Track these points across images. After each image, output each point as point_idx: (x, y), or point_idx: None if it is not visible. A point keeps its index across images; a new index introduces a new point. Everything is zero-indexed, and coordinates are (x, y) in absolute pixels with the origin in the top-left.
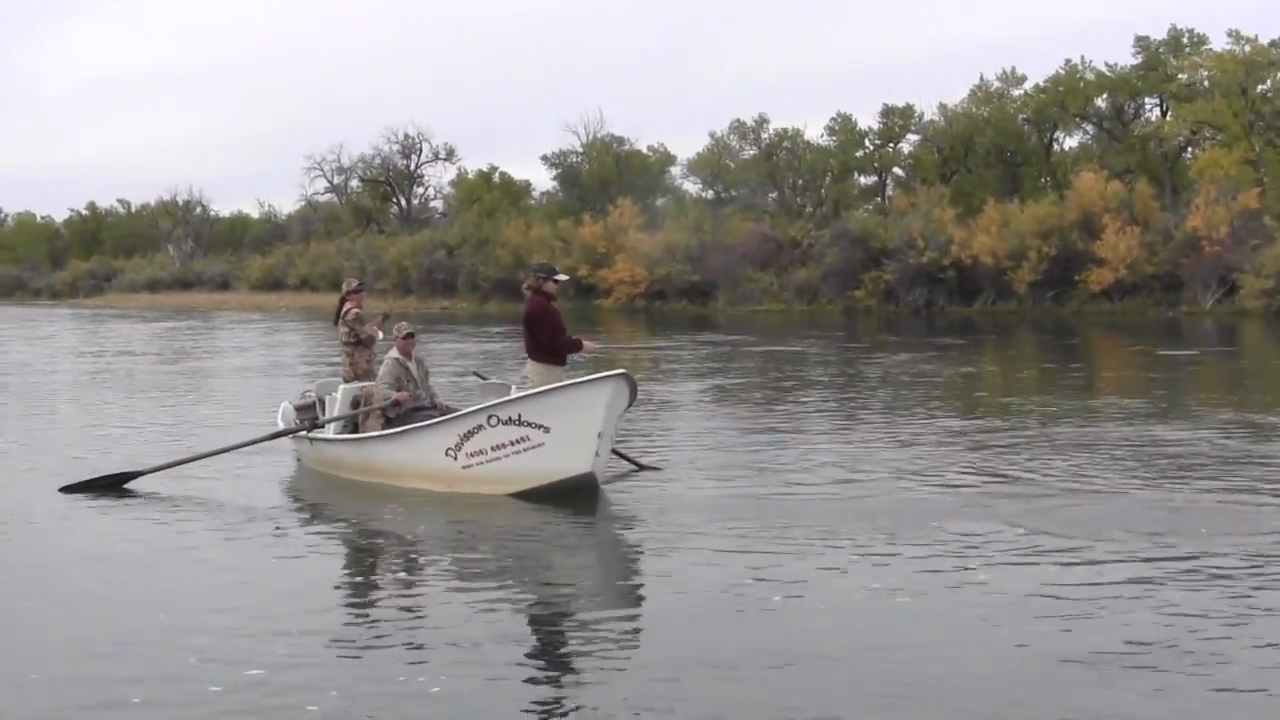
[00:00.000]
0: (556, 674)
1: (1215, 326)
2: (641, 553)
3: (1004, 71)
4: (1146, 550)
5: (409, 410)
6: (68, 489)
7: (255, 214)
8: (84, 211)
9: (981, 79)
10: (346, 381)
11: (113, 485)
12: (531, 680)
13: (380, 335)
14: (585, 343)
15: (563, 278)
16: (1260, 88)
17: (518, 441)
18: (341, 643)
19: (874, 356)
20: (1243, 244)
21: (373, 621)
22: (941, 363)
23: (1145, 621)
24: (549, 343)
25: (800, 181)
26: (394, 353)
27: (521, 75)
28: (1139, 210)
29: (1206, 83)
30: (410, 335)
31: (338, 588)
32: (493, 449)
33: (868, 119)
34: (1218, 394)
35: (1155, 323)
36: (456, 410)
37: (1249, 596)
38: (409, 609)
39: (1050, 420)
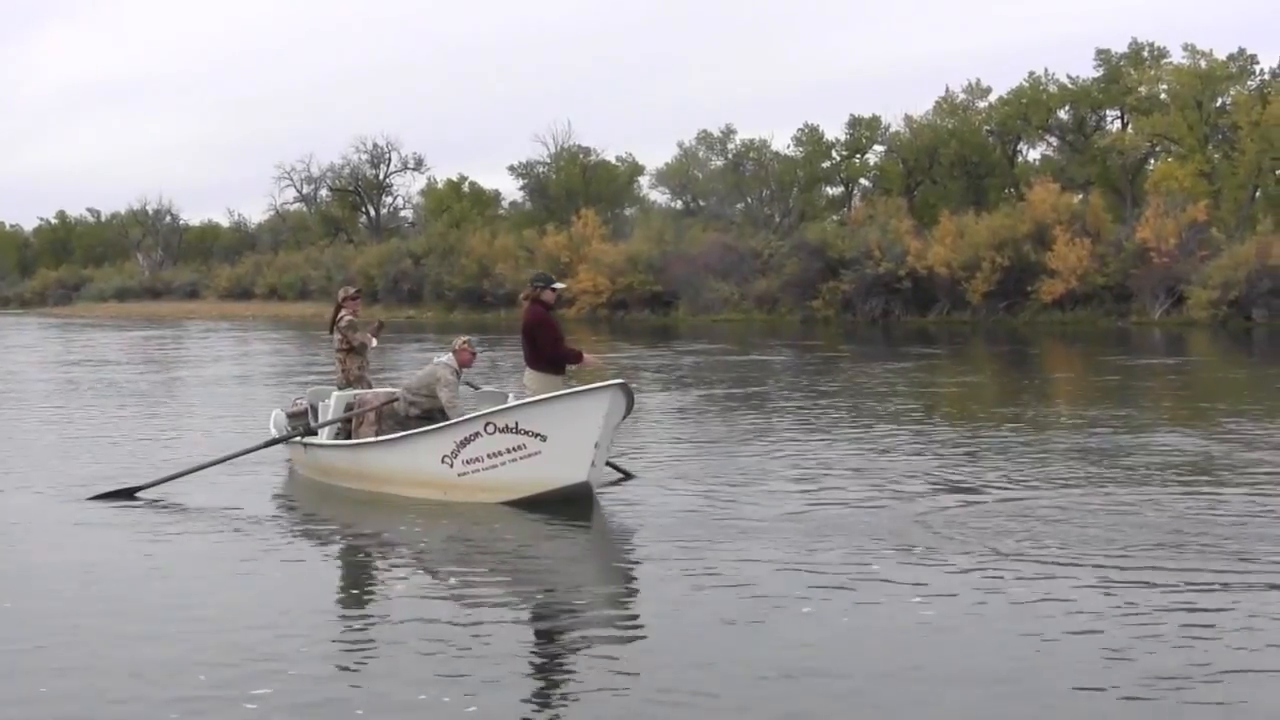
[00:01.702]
0: (568, 689)
1: (1164, 337)
2: (640, 564)
3: (969, 84)
4: (1148, 560)
5: (412, 417)
6: (90, 499)
7: (225, 223)
8: (53, 220)
9: (947, 91)
10: (340, 388)
11: (119, 498)
12: (542, 694)
13: (374, 343)
14: (586, 356)
15: (560, 286)
16: (1221, 100)
17: (514, 449)
18: (354, 660)
19: (857, 366)
20: (1191, 255)
21: (382, 637)
22: (921, 373)
23: (1131, 635)
24: (548, 352)
25: (767, 192)
26: (452, 361)
27: (493, 86)
28: (1091, 222)
29: (1164, 95)
30: (475, 353)
31: (341, 603)
32: (489, 456)
33: (835, 130)
34: (1198, 402)
35: (1106, 333)
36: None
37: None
38: (417, 624)
39: (1047, 428)
